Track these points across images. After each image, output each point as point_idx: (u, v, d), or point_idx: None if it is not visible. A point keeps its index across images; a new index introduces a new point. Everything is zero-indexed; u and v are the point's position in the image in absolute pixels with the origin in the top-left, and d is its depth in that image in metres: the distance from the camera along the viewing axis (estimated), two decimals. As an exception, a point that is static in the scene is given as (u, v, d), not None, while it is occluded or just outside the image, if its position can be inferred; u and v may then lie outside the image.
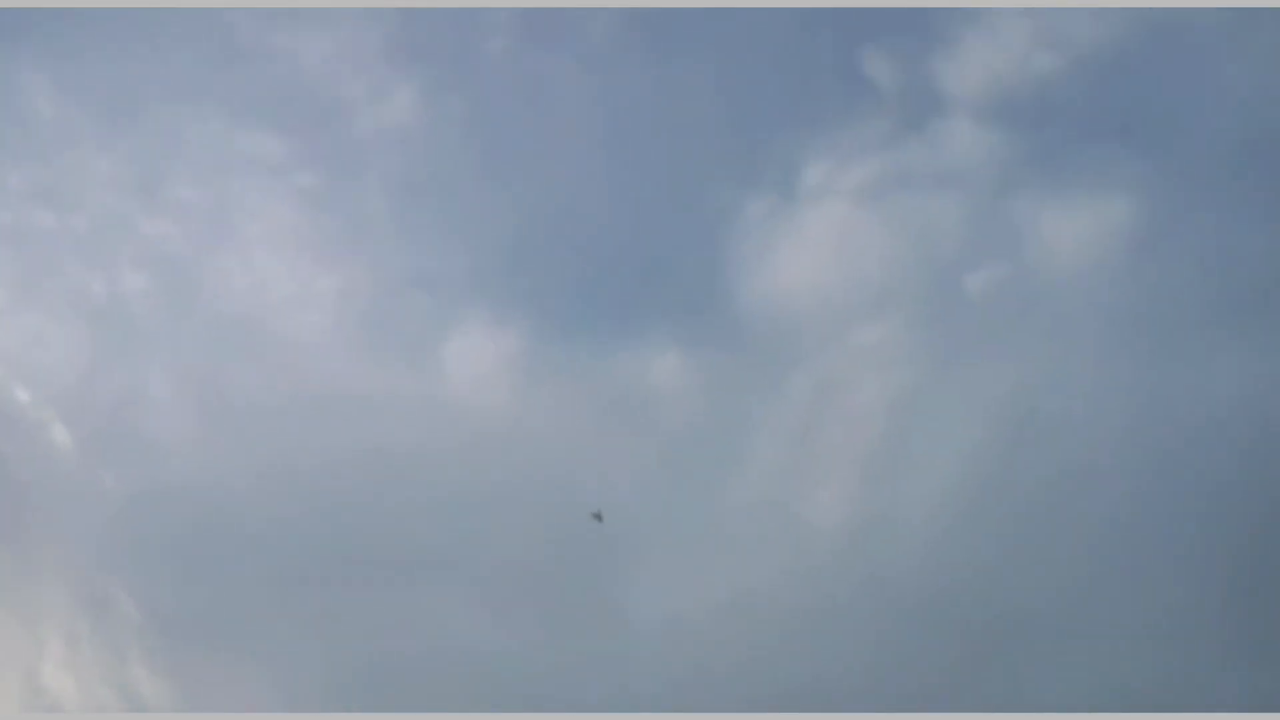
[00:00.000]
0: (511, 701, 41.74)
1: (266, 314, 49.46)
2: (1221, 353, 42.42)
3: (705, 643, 42.59)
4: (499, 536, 44.34)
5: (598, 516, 44.55)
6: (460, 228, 49.94)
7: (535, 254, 49.98)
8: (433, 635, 43.30)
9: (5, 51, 50.10)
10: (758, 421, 46.09)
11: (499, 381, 48.18)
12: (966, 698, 39.90)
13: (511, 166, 51.27)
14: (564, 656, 42.53)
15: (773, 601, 43.09)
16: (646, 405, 47.23)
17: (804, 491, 44.02)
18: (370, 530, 44.72)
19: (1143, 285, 43.52)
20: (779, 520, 44.39)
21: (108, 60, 50.45)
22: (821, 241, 47.34)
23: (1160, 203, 43.83)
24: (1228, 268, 43.37)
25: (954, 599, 42.12)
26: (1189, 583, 40.55)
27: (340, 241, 49.94)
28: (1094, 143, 44.60)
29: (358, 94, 50.60)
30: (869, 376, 45.65)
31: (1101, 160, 44.36)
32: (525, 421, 47.13)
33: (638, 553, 44.65)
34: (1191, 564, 40.91)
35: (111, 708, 44.94)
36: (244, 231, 50.25)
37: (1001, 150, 45.33)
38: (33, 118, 50.44)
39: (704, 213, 48.50)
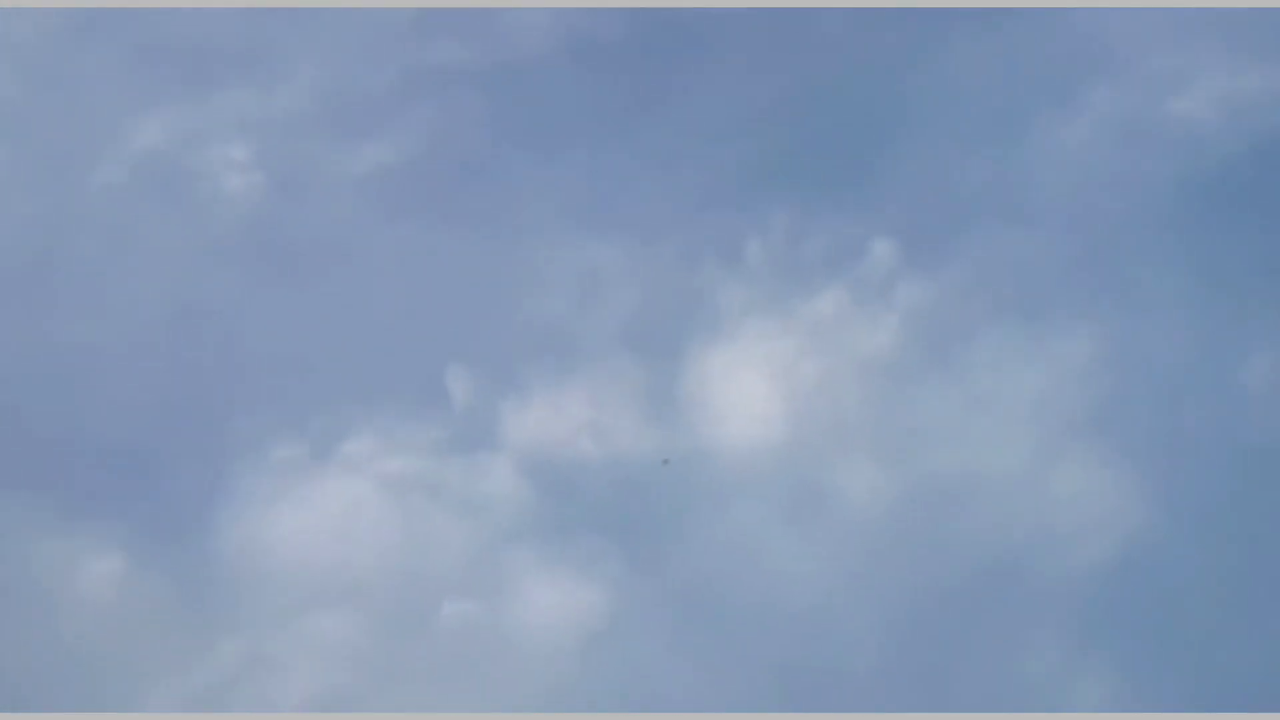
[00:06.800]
0: None
1: None
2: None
3: None
4: None
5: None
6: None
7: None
8: None
9: None
10: (169, 673, 30.03)
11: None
12: None
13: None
14: None
15: None
16: (64, 603, 30.68)
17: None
18: None
19: (601, 670, 32.20)
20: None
21: None
22: (327, 512, 33.32)
23: (628, 605, 32.96)
24: (670, 676, 31.70)
25: None
26: None
27: None
28: (597, 533, 34.14)
29: None
30: (308, 667, 31.03)
31: (595, 551, 34.01)
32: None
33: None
34: None
35: None
36: None
37: (523, 503, 34.26)
38: None
39: (226, 437, 33.13)
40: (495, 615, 31.18)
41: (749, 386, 35.56)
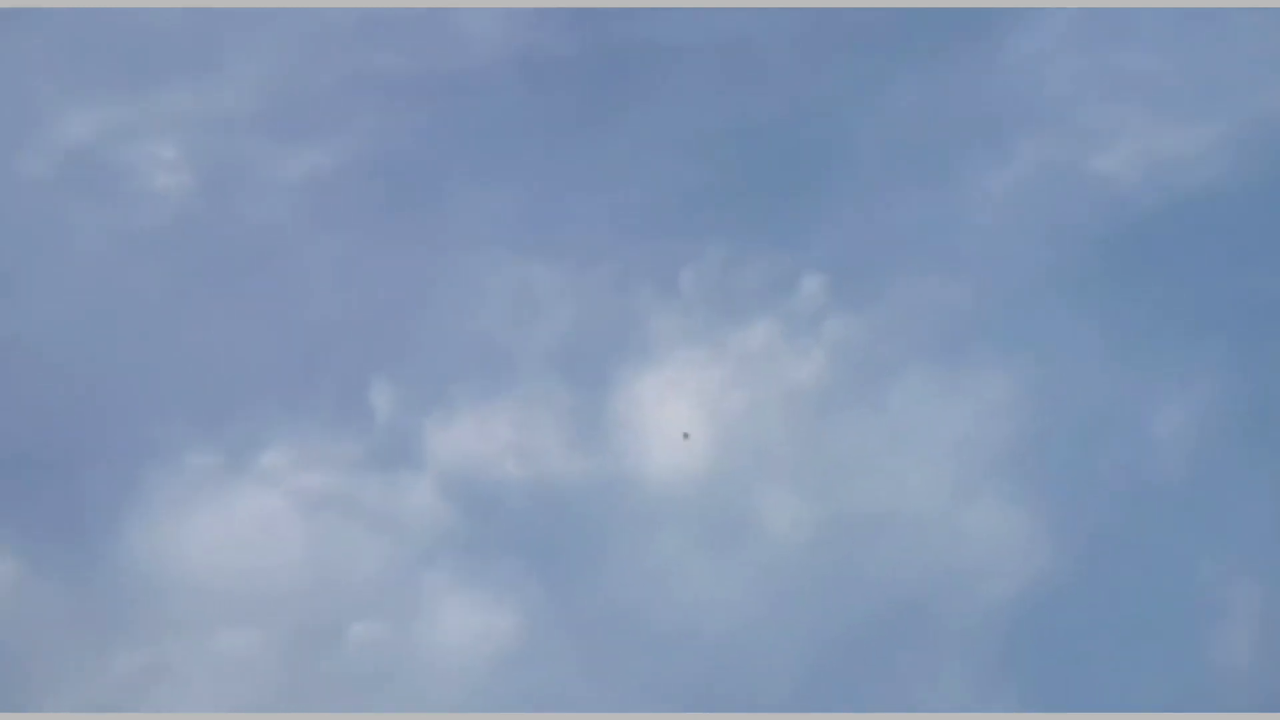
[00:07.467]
0: None
1: None
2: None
3: None
4: None
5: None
6: None
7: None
8: None
9: None
10: (62, 681, 27.15)
11: None
12: None
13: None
14: None
15: None
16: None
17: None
18: None
19: (510, 696, 29.86)
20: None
21: None
22: (239, 524, 30.50)
23: (542, 630, 30.91)
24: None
25: None
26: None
27: None
28: (515, 556, 31.89)
29: None
30: (208, 682, 28.29)
31: (512, 574, 31.55)
32: None
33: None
34: None
35: None
36: None
37: (442, 523, 31.90)
38: None
39: (140, 441, 30.24)
40: (404, 637, 28.94)
41: (677, 414, 33.73)
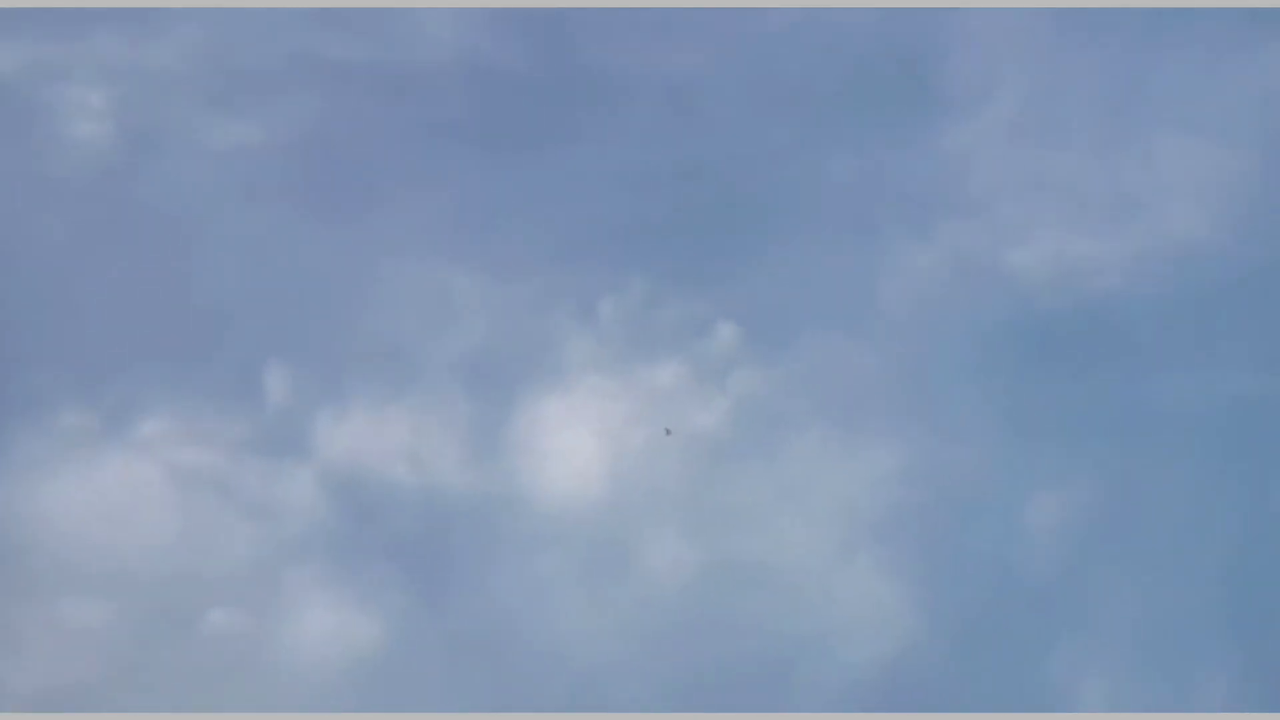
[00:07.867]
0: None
1: None
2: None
3: None
4: None
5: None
6: None
7: None
8: None
9: None
10: None
11: None
12: None
13: None
14: None
15: None
16: None
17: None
18: None
19: (363, 703, 28.42)
20: None
21: None
22: (105, 491, 28.34)
23: (407, 640, 29.34)
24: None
25: None
26: None
27: None
28: (390, 561, 30.11)
29: None
30: (48, 654, 26.23)
31: (384, 580, 30.23)
32: None
33: None
34: None
35: None
36: None
37: (319, 519, 30.05)
38: None
39: (7, 392, 27.67)
40: (262, 629, 27.30)
41: (576, 441, 32.87)
